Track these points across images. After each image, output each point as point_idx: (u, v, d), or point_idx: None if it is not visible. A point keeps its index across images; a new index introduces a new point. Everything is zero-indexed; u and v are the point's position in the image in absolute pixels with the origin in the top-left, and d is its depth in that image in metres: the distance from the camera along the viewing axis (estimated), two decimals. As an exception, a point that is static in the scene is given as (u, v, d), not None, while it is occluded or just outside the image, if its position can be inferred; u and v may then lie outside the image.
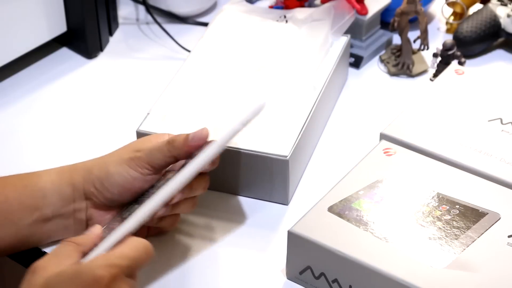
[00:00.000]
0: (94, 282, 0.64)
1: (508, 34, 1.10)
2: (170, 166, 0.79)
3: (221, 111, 0.89)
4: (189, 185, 0.76)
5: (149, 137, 0.80)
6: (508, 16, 1.09)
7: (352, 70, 1.09)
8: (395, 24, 1.07)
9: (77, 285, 0.64)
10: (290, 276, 0.80)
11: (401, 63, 1.07)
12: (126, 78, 1.08)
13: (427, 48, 1.07)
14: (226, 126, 0.75)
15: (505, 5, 1.10)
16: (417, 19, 1.07)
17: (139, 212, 0.73)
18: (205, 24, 1.17)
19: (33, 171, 0.80)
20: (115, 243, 0.70)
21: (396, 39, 1.12)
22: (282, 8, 1.14)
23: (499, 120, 0.91)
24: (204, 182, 0.80)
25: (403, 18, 1.06)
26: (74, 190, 0.77)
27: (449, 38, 1.11)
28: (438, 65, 1.07)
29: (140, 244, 0.69)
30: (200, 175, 0.78)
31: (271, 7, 1.16)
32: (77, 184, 0.77)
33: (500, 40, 1.13)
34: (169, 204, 0.77)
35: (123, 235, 0.71)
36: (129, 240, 0.70)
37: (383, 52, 1.12)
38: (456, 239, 0.76)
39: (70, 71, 1.09)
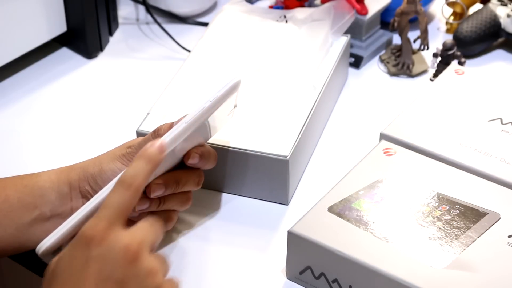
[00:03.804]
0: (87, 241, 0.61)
1: (508, 34, 1.09)
2: None
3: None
4: (175, 179, 0.76)
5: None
6: (508, 16, 1.09)
7: (352, 70, 1.09)
8: (395, 24, 1.07)
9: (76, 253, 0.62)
10: (290, 276, 0.80)
11: (401, 63, 1.07)
12: (126, 78, 1.08)
13: (427, 48, 1.07)
14: (198, 104, 0.75)
15: (505, 5, 1.10)
16: (417, 19, 1.07)
17: (94, 198, 0.72)
18: (205, 24, 1.17)
19: (34, 172, 0.80)
20: (70, 228, 0.71)
21: (396, 39, 1.12)
22: (282, 8, 1.14)
23: (499, 120, 0.91)
24: (195, 177, 0.79)
25: (403, 18, 1.06)
26: (71, 189, 0.77)
27: (449, 38, 1.11)
28: (438, 65, 1.07)
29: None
30: (191, 170, 0.78)
31: (271, 7, 1.16)
32: (74, 182, 0.78)
33: (500, 40, 1.13)
34: (151, 198, 0.76)
35: (78, 221, 0.71)
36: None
37: (383, 52, 1.11)
38: (456, 239, 0.76)
39: (70, 71, 1.09)
